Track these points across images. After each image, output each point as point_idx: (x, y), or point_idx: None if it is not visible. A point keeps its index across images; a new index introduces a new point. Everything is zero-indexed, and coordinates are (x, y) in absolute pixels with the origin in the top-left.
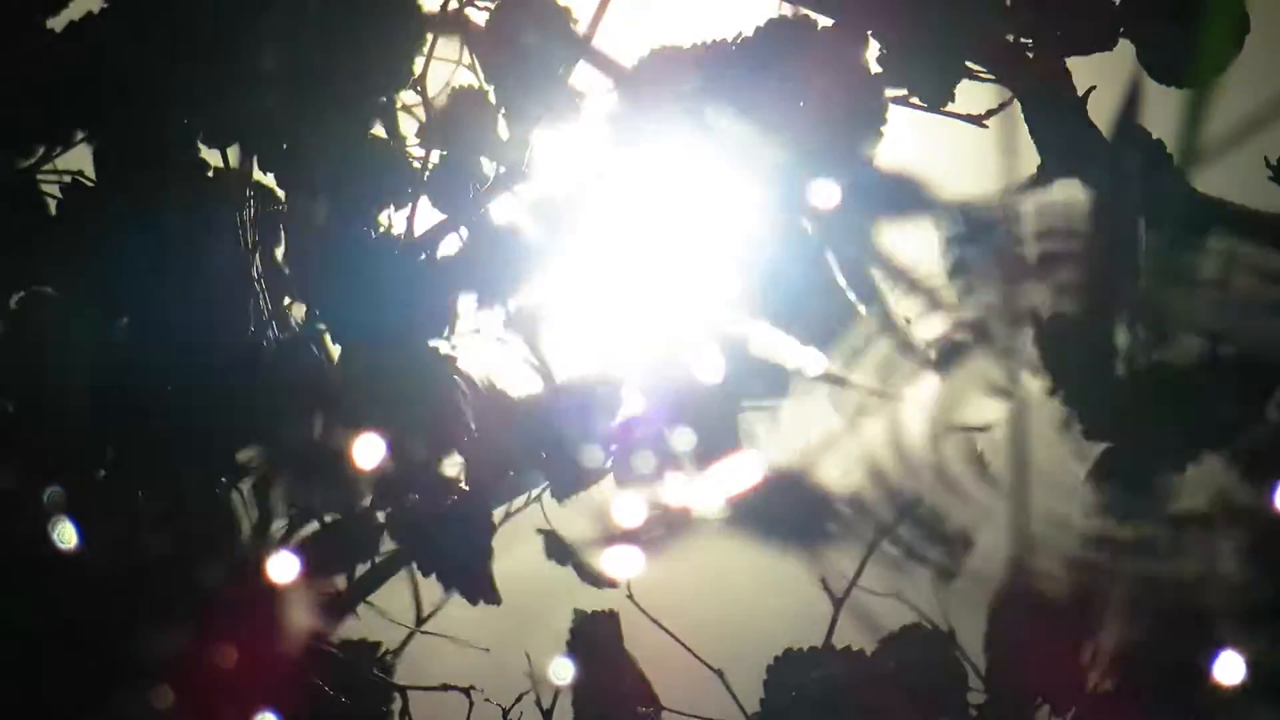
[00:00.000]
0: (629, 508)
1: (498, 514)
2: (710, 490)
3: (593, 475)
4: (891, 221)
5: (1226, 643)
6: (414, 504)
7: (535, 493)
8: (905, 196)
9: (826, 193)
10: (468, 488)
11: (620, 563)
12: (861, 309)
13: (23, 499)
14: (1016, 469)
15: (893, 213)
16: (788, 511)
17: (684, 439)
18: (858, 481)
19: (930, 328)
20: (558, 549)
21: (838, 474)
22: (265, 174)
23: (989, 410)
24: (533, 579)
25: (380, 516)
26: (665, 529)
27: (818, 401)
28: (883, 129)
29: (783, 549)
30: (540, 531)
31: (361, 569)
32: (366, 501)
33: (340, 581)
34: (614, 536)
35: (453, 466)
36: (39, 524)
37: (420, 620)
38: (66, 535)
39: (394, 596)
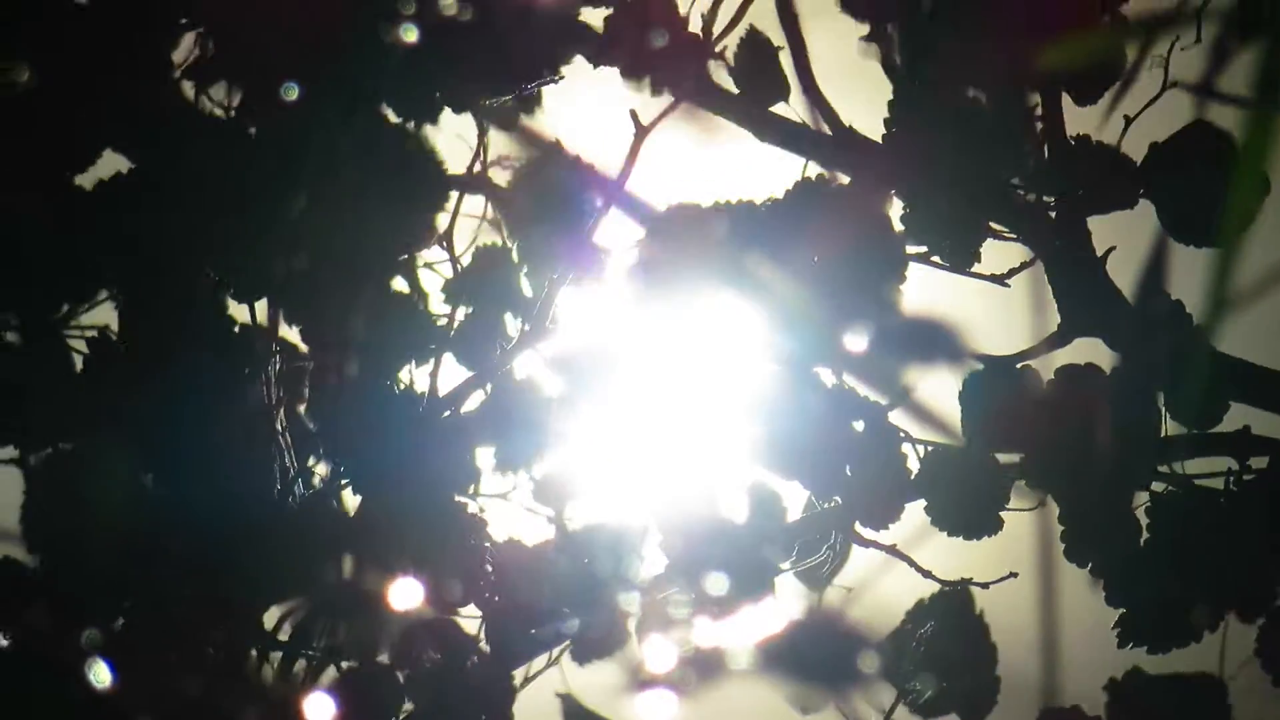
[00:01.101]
0: (655, 655)
1: (519, 674)
2: (736, 636)
3: (615, 637)
4: (915, 370)
5: None
6: (433, 663)
7: (555, 654)
8: (928, 346)
9: (849, 342)
10: (488, 647)
11: (643, 711)
12: (880, 459)
13: (48, 649)
14: (1045, 616)
15: (916, 362)
16: (814, 657)
17: (711, 584)
18: (883, 627)
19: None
20: (576, 713)
21: (863, 619)
22: (291, 329)
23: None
24: None
25: (400, 676)
26: (691, 675)
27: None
28: (903, 280)
29: (810, 694)
30: (559, 695)
31: None
32: (386, 658)
33: None
34: (640, 684)
35: (473, 622)
36: (68, 669)
37: None
38: (101, 676)
39: None
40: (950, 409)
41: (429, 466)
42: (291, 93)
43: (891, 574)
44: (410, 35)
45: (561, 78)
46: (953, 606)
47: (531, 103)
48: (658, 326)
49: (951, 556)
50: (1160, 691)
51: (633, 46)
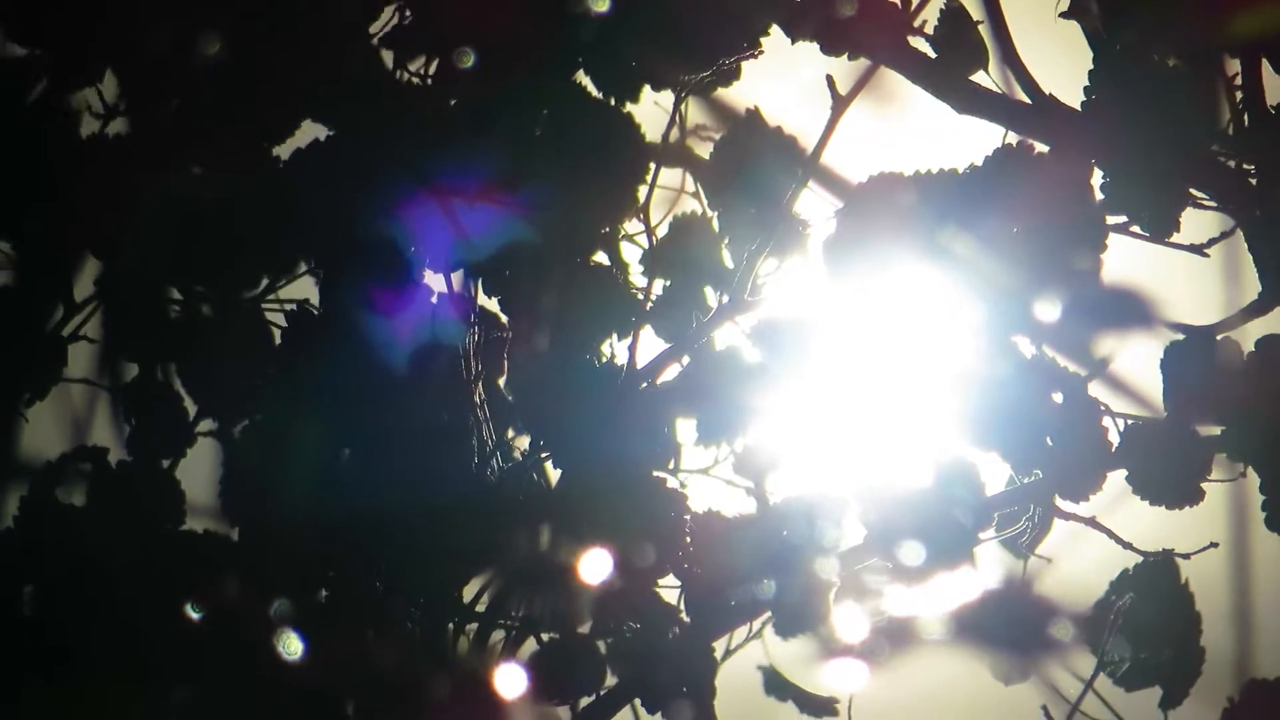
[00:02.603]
0: (850, 624)
1: (720, 647)
2: (937, 606)
3: (817, 609)
4: (1111, 339)
5: None
6: (634, 633)
7: (758, 628)
8: (1127, 316)
9: (1047, 312)
10: (688, 617)
11: (841, 679)
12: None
13: (246, 619)
14: (1241, 587)
15: (1113, 330)
16: (1015, 626)
17: (909, 555)
18: (1081, 598)
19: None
20: (777, 685)
21: (1061, 589)
22: (490, 300)
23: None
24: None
25: (601, 646)
26: (887, 644)
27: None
28: (1103, 249)
29: (1006, 664)
30: (760, 668)
31: (586, 701)
32: (587, 628)
33: (564, 712)
34: (836, 652)
35: (673, 593)
36: (262, 640)
37: None
38: (292, 647)
39: None
40: (1148, 380)
41: (628, 438)
42: (489, 61)
43: (1086, 543)
44: (604, 4)
45: (761, 52)
46: (1157, 577)
47: (729, 74)
48: (856, 297)
49: (1144, 526)
50: None
51: (830, 18)
